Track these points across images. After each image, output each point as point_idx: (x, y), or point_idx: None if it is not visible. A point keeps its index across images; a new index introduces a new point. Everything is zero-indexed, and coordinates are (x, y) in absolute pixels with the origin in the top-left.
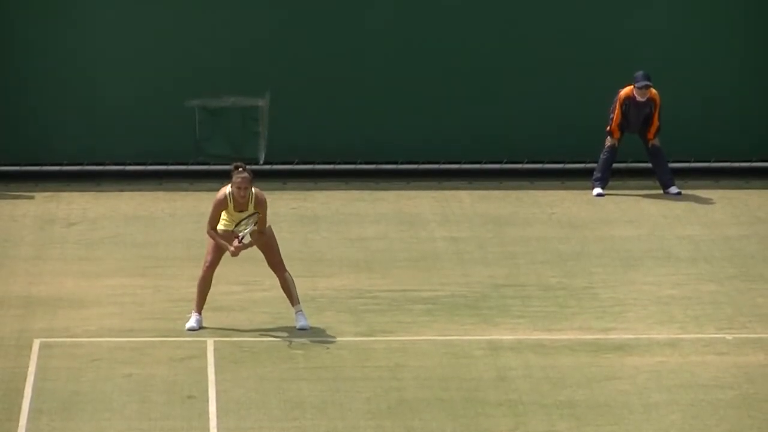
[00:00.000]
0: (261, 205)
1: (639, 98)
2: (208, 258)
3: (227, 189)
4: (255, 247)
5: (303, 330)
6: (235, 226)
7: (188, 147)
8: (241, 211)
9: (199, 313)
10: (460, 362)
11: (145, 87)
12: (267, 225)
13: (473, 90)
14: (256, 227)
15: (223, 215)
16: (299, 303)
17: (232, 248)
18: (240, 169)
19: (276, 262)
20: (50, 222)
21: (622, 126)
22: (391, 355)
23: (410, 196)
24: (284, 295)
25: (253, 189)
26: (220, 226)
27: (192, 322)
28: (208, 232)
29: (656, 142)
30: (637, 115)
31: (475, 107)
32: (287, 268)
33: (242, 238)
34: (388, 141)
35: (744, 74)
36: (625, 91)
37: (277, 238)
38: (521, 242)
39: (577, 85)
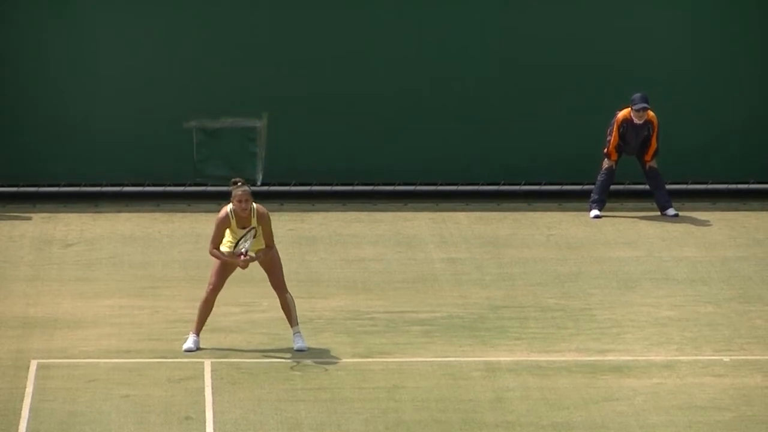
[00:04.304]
0: (263, 218)
1: (637, 121)
2: (213, 281)
3: (228, 207)
4: (254, 268)
5: (301, 351)
6: (237, 243)
7: (186, 168)
8: (244, 228)
9: (197, 335)
10: (458, 383)
11: (143, 108)
12: (273, 244)
13: (471, 112)
14: (255, 240)
15: (227, 236)
16: (298, 324)
17: (240, 261)
18: (239, 183)
19: (279, 283)
20: (48, 243)
21: (620, 148)
22: (389, 377)
23: (408, 217)
24: (283, 316)
25: (253, 204)
26: (224, 248)
27: (189, 344)
28: (210, 252)
29: (654, 164)
30: (635, 137)
31: (473, 129)
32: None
33: (245, 253)
34: (386, 162)
35: (742, 96)
36: (622, 114)
37: None
38: (519, 264)
39: (574, 107)
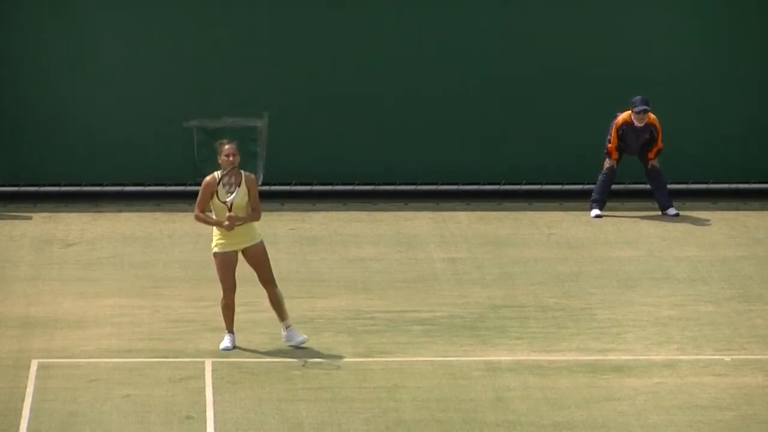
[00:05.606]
0: (251, 182)
1: (637, 123)
2: (225, 285)
3: (216, 173)
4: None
5: (302, 344)
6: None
7: (187, 168)
8: (230, 193)
9: (232, 333)
10: (458, 383)
11: (144, 108)
12: (260, 240)
13: (471, 112)
14: (240, 199)
15: (215, 208)
16: (289, 318)
17: (226, 222)
18: (226, 140)
19: (267, 278)
20: (49, 242)
21: (620, 149)
22: (389, 376)
23: (408, 217)
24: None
25: (242, 171)
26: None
27: (226, 342)
28: (196, 216)
29: (656, 163)
30: (635, 140)
31: (473, 129)
32: (283, 289)
33: (231, 206)
34: (386, 162)
35: (742, 96)
36: (622, 117)
37: (275, 258)
38: (519, 263)
39: (575, 107)
